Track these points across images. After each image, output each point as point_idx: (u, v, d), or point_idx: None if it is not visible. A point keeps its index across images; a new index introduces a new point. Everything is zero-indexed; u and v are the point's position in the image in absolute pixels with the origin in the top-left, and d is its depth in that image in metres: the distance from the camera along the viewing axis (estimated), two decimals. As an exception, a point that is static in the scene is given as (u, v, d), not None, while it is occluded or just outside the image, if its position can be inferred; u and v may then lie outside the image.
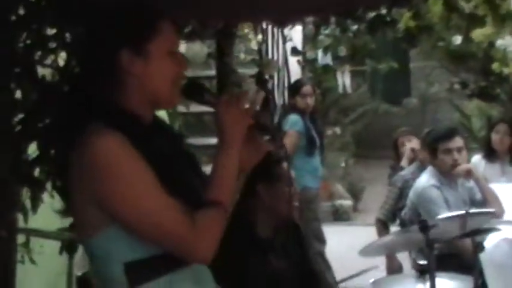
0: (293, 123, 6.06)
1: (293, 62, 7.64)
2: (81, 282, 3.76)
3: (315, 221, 6.02)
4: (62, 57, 3.12)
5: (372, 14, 6.70)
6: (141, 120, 1.87)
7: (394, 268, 5.12)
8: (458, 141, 4.36)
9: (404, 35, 6.86)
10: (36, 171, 3.10)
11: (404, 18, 6.68)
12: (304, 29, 7.84)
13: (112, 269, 1.80)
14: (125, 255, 1.80)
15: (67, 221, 2.90)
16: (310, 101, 6.19)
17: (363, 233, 5.47)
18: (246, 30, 6.48)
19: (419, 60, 10.77)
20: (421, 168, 4.82)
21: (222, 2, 3.32)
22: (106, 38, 1.85)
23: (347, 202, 10.27)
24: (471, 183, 4.45)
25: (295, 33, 7.47)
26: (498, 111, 7.91)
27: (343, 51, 7.70)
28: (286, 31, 6.93)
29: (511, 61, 6.05)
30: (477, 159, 5.60)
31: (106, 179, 1.75)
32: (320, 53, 8.13)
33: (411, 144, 5.79)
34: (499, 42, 6.05)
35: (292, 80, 6.85)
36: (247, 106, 1.93)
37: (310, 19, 7.04)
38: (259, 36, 6.23)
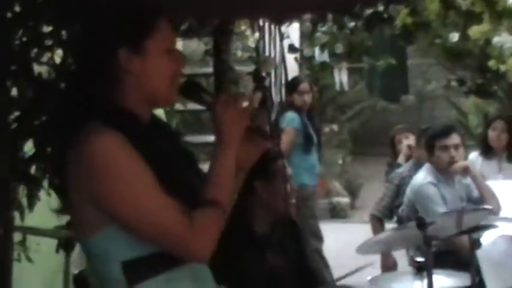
0: (290, 120, 6.06)
1: (290, 59, 7.61)
2: (78, 280, 3.75)
3: (312, 218, 6.03)
4: (58, 55, 3.12)
5: (369, 11, 6.71)
6: (139, 119, 1.87)
7: (388, 265, 5.11)
8: (455, 139, 4.36)
9: (402, 32, 6.88)
10: (33, 169, 3.10)
11: (402, 15, 6.69)
12: (301, 26, 7.83)
13: (110, 268, 1.80)
14: (123, 253, 1.79)
15: (64, 219, 2.90)
16: (308, 98, 6.20)
17: (360, 230, 5.47)
18: (243, 28, 6.46)
19: (416, 58, 10.77)
20: (418, 166, 4.82)
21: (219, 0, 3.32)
22: (104, 37, 1.84)
23: (344, 199, 10.29)
24: (468, 180, 4.45)
25: (293, 31, 7.45)
26: (495, 108, 7.90)
27: (340, 48, 7.69)
28: (283, 28, 6.90)
29: (508, 58, 6.05)
30: (474, 156, 5.60)
31: (104, 178, 1.74)
32: (317, 50, 8.11)
33: (408, 141, 5.79)
34: (496, 40, 6.04)
35: (290, 77, 6.83)
36: (244, 106, 1.92)
37: (307, 16, 7.03)
38: (257, 34, 6.21)
